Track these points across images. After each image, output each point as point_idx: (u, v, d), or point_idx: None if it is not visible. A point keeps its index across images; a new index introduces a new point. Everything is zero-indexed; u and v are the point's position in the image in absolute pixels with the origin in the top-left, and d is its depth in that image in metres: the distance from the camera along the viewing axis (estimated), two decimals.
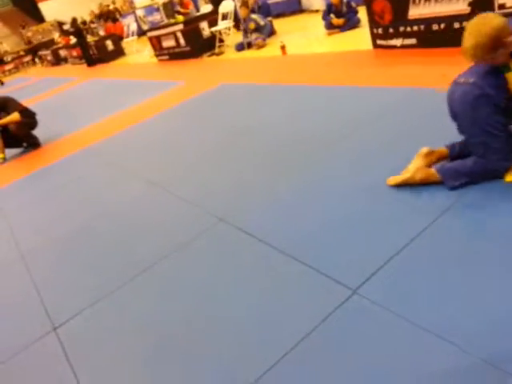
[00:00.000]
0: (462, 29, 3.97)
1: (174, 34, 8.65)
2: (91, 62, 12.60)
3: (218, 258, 2.20)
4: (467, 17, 3.92)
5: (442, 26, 4.17)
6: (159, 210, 2.91)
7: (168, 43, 8.97)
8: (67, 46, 15.04)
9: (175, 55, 8.92)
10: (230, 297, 1.89)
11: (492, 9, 3.71)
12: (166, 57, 9.24)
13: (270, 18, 8.08)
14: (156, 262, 2.30)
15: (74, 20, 13.13)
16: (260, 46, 7.27)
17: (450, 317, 1.45)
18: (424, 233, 1.90)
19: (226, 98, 5.16)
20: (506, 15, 3.61)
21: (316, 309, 1.66)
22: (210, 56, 8.15)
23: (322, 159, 2.91)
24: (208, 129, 4.23)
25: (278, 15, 9.26)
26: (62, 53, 15.97)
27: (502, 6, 3.67)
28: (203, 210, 2.70)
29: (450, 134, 2.30)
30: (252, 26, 7.53)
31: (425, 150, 2.25)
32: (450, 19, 4.08)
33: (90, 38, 13.31)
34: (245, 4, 7.82)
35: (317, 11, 7.91)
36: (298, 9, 9.02)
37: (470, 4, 3.88)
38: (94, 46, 12.75)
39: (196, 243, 2.37)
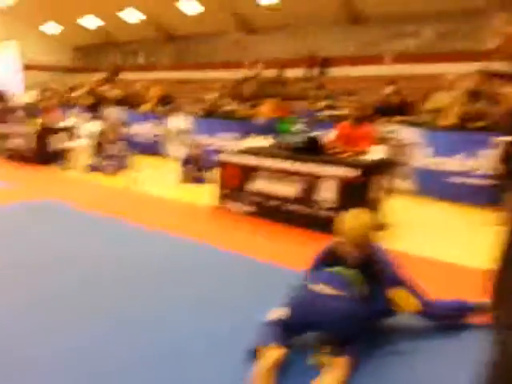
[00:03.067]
0: (289, 210, 4.51)
1: (24, 135, 8.19)
2: None
3: None
4: (296, 201, 4.47)
5: (277, 203, 4.64)
6: None
7: (16, 142, 8.41)
8: None
9: (19, 157, 8.29)
10: None
11: (315, 201, 4.30)
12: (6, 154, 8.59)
13: (129, 152, 8.19)
14: None
15: None
16: (111, 174, 7.19)
17: None
18: None
19: (49, 214, 4.78)
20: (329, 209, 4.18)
21: None
22: (56, 167, 7.73)
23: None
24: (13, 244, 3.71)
25: (140, 152, 9.47)
26: None
27: (323, 201, 4.27)
28: None
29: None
30: (110, 152, 7.52)
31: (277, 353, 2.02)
32: (282, 200, 4.58)
33: None
34: (110, 130, 7.89)
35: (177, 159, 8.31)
36: (161, 152, 9.41)
37: (299, 191, 4.44)
38: None
39: None
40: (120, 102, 10.42)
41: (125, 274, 3.19)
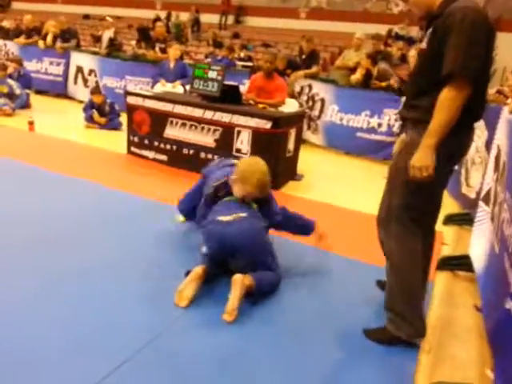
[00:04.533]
0: (206, 159, 4.47)
1: None
2: None
3: None
4: (212, 150, 4.44)
5: (191, 152, 4.56)
6: None
7: None
8: None
9: None
10: None
11: (231, 150, 4.31)
12: None
13: (28, 91, 7.42)
14: None
15: None
16: (6, 114, 6.45)
17: None
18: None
19: None
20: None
21: None
22: None
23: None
24: None
25: (40, 92, 8.64)
26: None
27: (238, 150, 4.29)
28: None
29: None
30: (4, 89, 6.72)
31: (200, 269, 2.29)
32: (198, 148, 4.51)
33: None
34: (2, 66, 7.02)
35: (81, 102, 7.71)
36: (63, 92, 8.63)
37: (215, 140, 4.41)
38: None
39: None
40: (12, 34, 9.26)
41: (43, 224, 2.97)
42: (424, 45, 1.96)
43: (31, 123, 5.71)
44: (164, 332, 2.01)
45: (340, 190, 4.46)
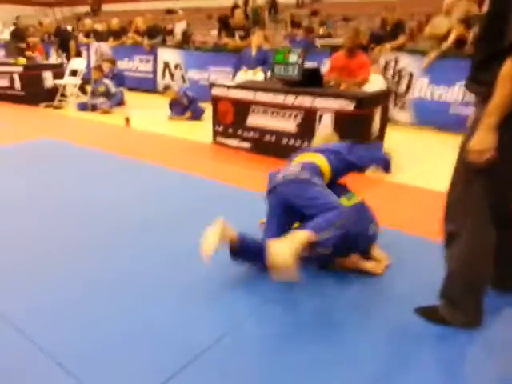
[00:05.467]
0: (288, 145, 4.46)
1: (10, 74, 7.82)
2: None
3: None
4: (294, 135, 4.42)
5: (273, 138, 4.59)
6: None
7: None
8: None
9: (6, 97, 7.98)
10: None
11: (313, 134, 4.25)
12: None
13: (122, 89, 7.97)
14: None
15: None
16: (104, 112, 7.01)
17: None
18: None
19: (47, 155, 4.69)
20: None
21: None
22: (46, 107, 7.52)
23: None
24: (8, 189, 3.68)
25: (132, 89, 9.23)
26: None
27: None
28: None
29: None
30: (102, 89, 7.30)
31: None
32: (280, 134, 4.52)
33: None
34: (99, 67, 7.62)
35: None
36: (152, 88, 9.14)
37: (297, 125, 4.39)
38: None
39: None
40: (104, 36, 9.97)
41: (139, 210, 3.22)
42: (486, 7, 1.71)
43: (127, 119, 6.14)
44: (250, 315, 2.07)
45: (432, 170, 4.20)
